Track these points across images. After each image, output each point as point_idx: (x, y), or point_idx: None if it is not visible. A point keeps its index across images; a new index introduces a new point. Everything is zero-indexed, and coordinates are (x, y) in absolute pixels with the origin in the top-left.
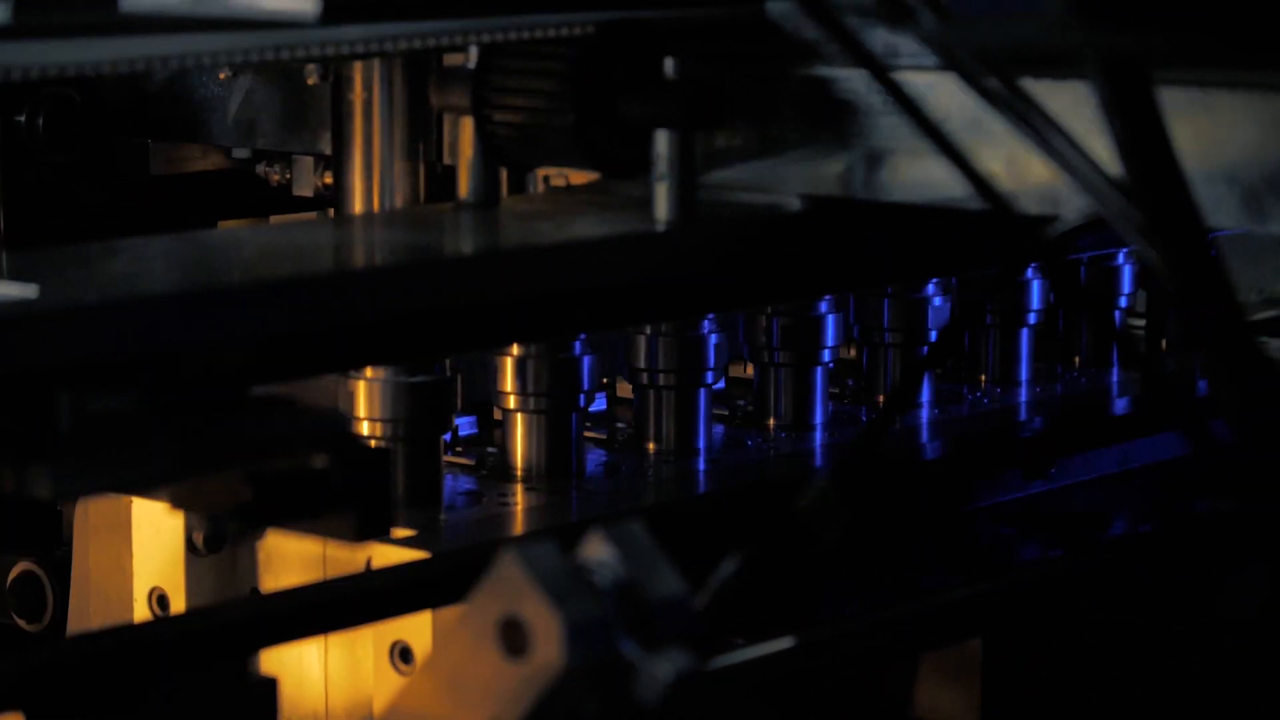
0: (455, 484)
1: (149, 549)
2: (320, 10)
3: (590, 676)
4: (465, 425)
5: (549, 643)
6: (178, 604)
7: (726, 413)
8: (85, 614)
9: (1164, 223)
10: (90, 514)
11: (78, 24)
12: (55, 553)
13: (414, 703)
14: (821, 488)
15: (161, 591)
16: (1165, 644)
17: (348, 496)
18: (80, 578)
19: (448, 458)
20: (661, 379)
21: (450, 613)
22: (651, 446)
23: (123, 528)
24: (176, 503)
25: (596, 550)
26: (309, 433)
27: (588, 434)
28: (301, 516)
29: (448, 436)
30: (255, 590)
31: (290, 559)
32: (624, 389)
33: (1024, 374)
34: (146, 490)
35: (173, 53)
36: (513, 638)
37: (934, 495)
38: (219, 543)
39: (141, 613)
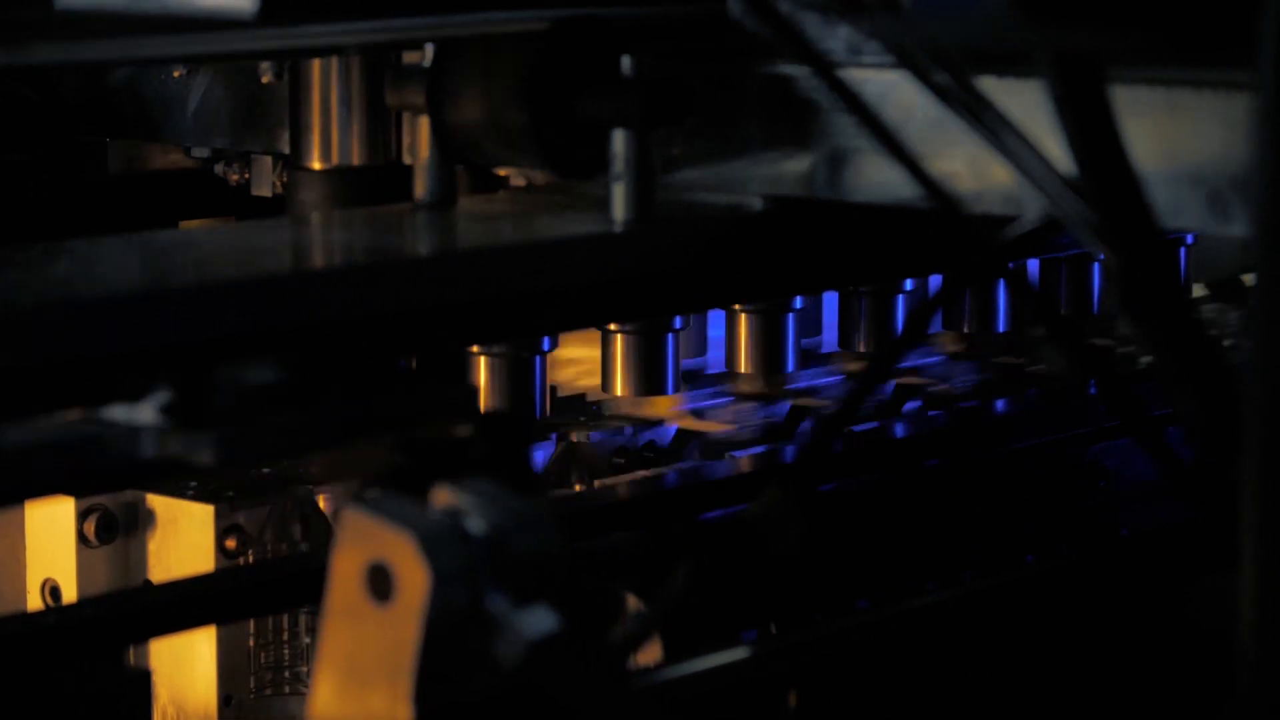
0: None
1: (41, 540)
2: (258, 9)
3: (454, 623)
4: None
5: (413, 571)
6: (69, 595)
7: None
8: None
9: (1117, 223)
10: None
11: (11, 22)
12: None
13: (327, 703)
14: (773, 495)
15: (54, 583)
16: (1129, 655)
17: (493, 463)
18: None
19: None
20: None
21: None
22: None
23: (15, 518)
24: (324, 472)
25: (450, 500)
26: (449, 403)
27: None
28: (451, 481)
29: None
30: (147, 581)
31: (181, 550)
32: None
33: None
34: (299, 457)
35: (107, 52)
36: (380, 584)
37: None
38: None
39: (34, 604)
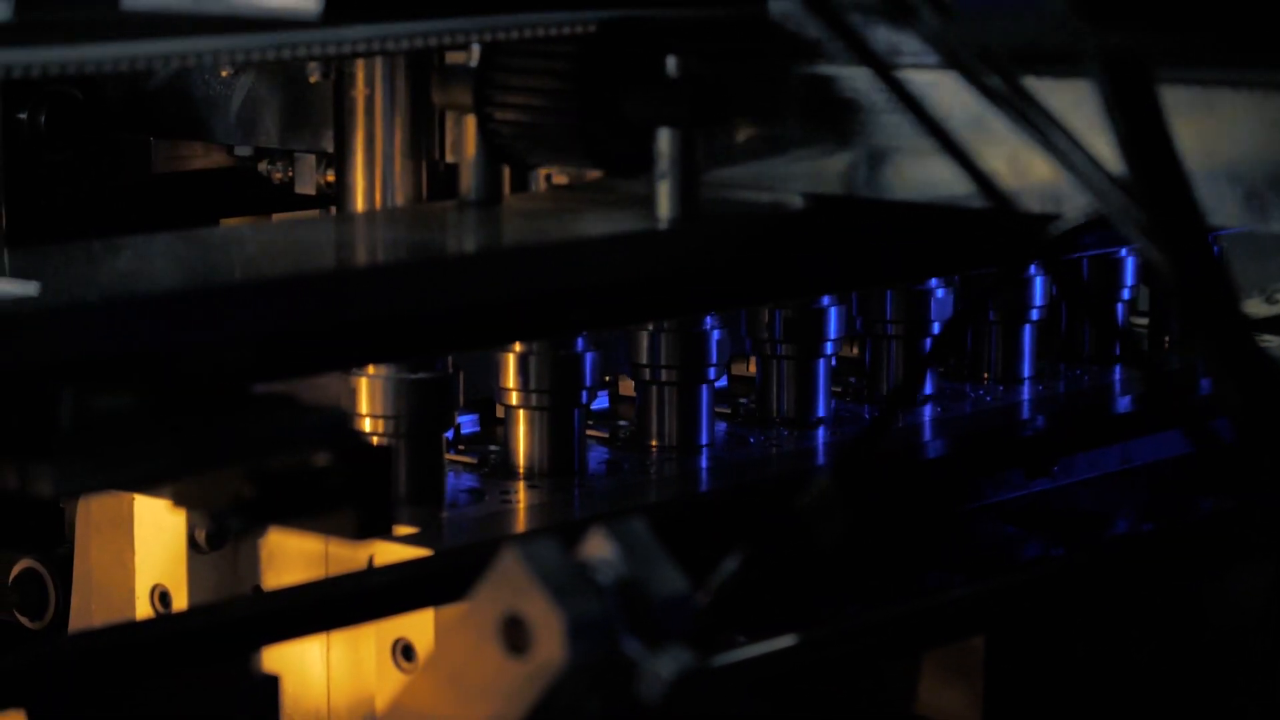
0: (457, 482)
1: (151, 546)
2: (322, 9)
3: (592, 674)
4: (468, 423)
5: (551, 640)
6: (179, 601)
7: (729, 410)
8: (87, 611)
9: (1166, 221)
10: (92, 511)
11: (79, 22)
12: (58, 550)
13: (415, 701)
14: (823, 486)
15: (164, 589)
16: (1165, 643)
17: (349, 494)
18: (82, 575)
19: (449, 455)
20: (664, 375)
21: (452, 611)
22: (654, 443)
23: (125, 525)
24: (179, 500)
25: (598, 548)
26: (310, 431)
27: (590, 432)
28: (303, 514)
29: (450, 434)
30: (257, 588)
31: (292, 556)
32: (626, 387)
33: (1026, 372)
34: (149, 488)
35: (173, 51)
36: (514, 635)
37: (936, 493)
38: (221, 540)
39: (143, 610)
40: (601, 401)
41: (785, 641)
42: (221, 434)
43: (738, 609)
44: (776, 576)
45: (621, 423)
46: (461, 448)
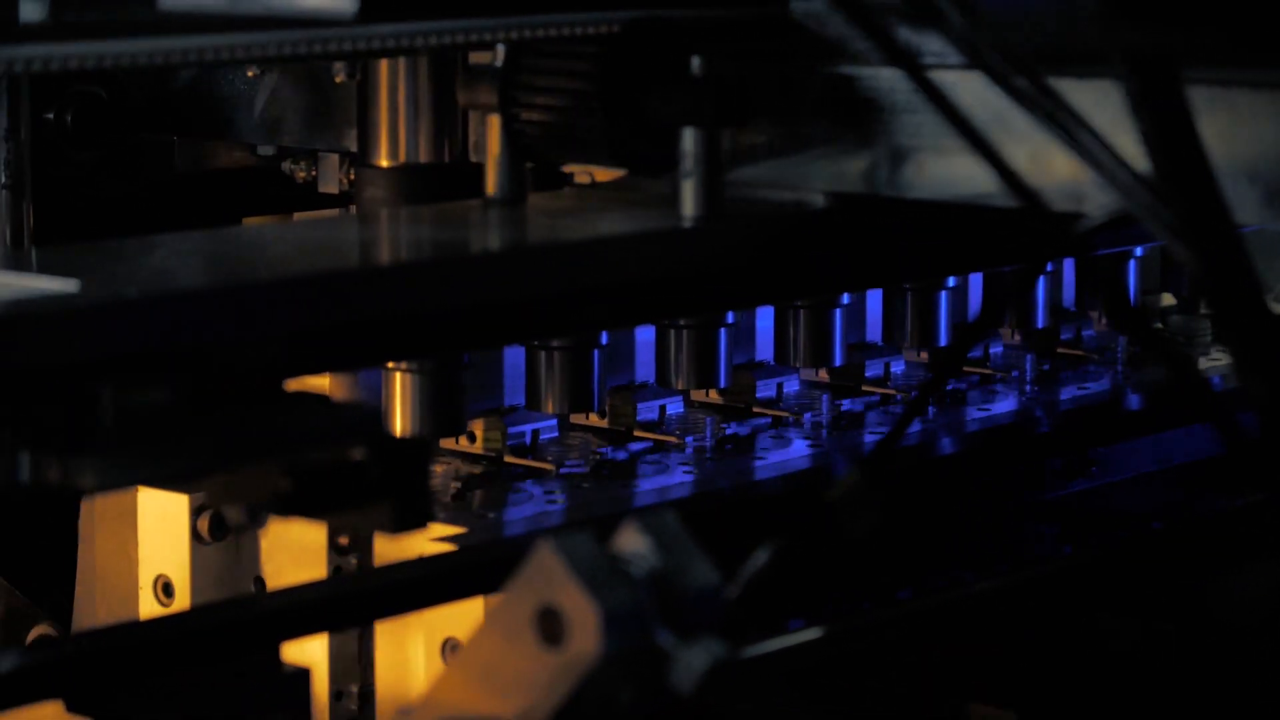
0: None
1: (154, 537)
2: (358, 8)
3: (626, 665)
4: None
5: (586, 632)
6: (182, 592)
7: None
8: (90, 601)
9: (1194, 218)
10: (96, 503)
11: (116, 21)
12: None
13: (449, 693)
14: (852, 479)
15: (166, 579)
16: (1183, 640)
17: (387, 488)
18: (86, 566)
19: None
20: None
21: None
22: None
23: (128, 516)
24: (216, 495)
25: (630, 541)
26: (345, 425)
27: None
28: (341, 508)
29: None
30: (258, 579)
31: (292, 549)
32: None
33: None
34: (187, 482)
35: (209, 46)
36: (550, 627)
37: (965, 488)
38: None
39: (147, 600)
40: None
41: (815, 633)
42: (258, 428)
43: (769, 600)
44: (807, 569)
45: None
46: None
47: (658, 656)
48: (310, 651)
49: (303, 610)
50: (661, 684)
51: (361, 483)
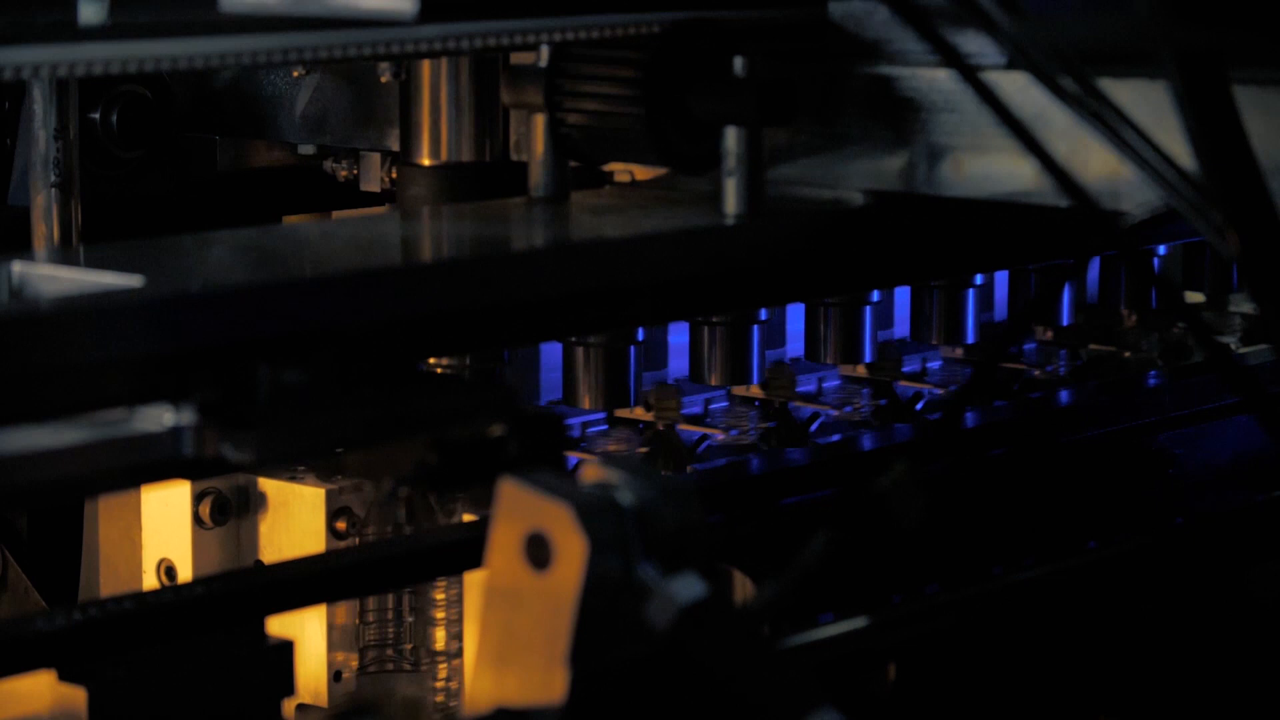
0: None
1: (157, 522)
2: (419, 9)
3: (609, 591)
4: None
5: (573, 548)
6: (185, 575)
7: None
8: (94, 585)
9: (1240, 216)
10: None
11: (177, 22)
12: None
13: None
14: (901, 469)
15: (169, 563)
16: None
17: (526, 461)
18: (90, 549)
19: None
20: None
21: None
22: None
23: (132, 501)
24: (362, 470)
25: (595, 474)
26: (484, 402)
27: None
28: (482, 482)
29: None
30: (258, 562)
31: (292, 532)
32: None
33: None
34: (336, 456)
35: (274, 49)
36: (538, 551)
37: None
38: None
39: (150, 584)
40: None
41: (858, 622)
42: (401, 406)
43: (821, 588)
44: (859, 558)
45: None
46: None
47: (638, 589)
48: (309, 630)
49: (291, 585)
50: (640, 617)
51: (501, 457)
